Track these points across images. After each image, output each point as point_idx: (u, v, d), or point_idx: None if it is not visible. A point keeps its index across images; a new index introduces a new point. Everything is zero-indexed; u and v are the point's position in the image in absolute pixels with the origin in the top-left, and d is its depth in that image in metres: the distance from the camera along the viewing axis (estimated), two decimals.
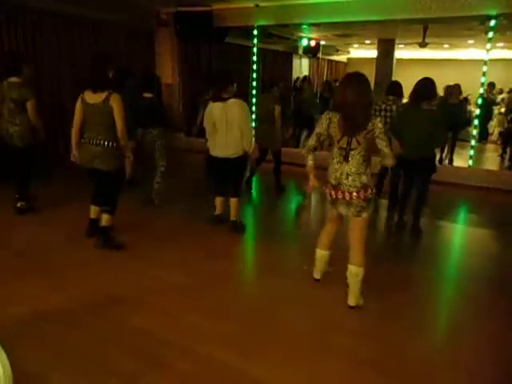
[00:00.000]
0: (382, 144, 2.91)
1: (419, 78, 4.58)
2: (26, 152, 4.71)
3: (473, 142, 7.14)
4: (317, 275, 3.55)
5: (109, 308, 3.12)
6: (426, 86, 4.48)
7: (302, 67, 13.40)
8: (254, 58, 8.67)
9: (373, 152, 3.04)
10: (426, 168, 4.59)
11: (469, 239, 5.05)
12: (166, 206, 5.35)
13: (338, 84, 9.92)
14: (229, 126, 4.32)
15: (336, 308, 3.23)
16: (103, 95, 3.70)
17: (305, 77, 9.37)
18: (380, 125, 2.92)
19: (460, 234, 5.21)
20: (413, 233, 4.77)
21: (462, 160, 7.68)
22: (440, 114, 4.68)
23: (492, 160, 9.28)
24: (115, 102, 3.69)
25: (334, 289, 3.47)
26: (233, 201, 4.64)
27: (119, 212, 4.17)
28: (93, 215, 4.24)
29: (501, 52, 11.91)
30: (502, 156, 9.04)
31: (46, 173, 5.84)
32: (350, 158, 2.98)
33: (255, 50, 8.64)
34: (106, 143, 3.80)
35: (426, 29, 9.04)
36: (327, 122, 3.04)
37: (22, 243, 4.21)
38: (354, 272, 3.14)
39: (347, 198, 3.01)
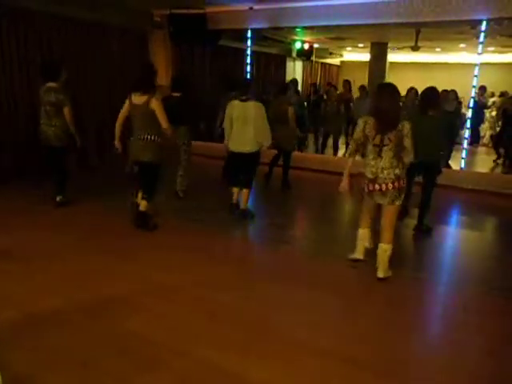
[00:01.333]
0: (407, 142, 3.46)
1: (411, 82, 4.71)
2: (63, 151, 5.12)
3: (465, 145, 7.22)
4: (358, 255, 3.92)
5: (105, 310, 3.11)
6: (433, 95, 4.71)
7: (295, 70, 13.44)
8: (248, 61, 8.70)
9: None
10: (433, 170, 4.82)
11: (466, 241, 5.08)
12: (166, 206, 5.34)
13: (360, 87, 9.72)
14: (245, 123, 4.79)
15: (335, 311, 3.25)
16: (145, 98, 4.32)
17: (293, 80, 9.31)
18: (408, 126, 3.45)
19: (455, 236, 5.25)
20: (424, 231, 4.91)
21: (454, 163, 7.74)
22: (442, 119, 4.94)
23: (483, 162, 9.36)
24: (155, 105, 4.30)
25: (332, 292, 3.50)
26: (244, 191, 5.14)
27: (119, 211, 4.40)
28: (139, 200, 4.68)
29: (492, 56, 12.05)
30: (496, 161, 9.05)
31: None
32: (383, 154, 3.48)
33: (249, 52, 8.68)
34: (147, 137, 4.37)
35: (419, 33, 9.12)
36: (363, 125, 3.58)
37: (19, 246, 4.18)
38: (384, 248, 3.66)
39: (383, 189, 3.51)
